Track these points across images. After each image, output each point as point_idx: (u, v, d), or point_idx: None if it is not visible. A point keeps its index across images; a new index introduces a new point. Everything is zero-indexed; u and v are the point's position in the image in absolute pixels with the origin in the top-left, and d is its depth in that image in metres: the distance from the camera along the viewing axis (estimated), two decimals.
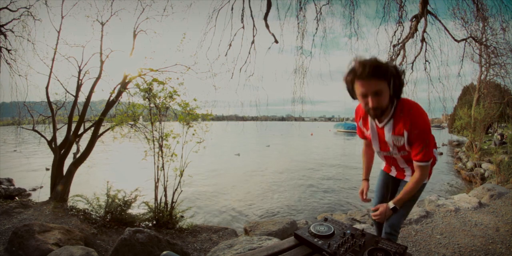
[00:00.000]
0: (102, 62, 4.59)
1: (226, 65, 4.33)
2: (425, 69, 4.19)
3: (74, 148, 4.73)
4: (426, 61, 4.18)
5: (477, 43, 4.69)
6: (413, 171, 1.49)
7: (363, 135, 1.59)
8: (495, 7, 3.99)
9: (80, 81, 4.64)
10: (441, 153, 14.11)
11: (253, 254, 1.12)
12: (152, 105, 3.66)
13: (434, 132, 1.53)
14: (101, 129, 4.44)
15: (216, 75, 4.34)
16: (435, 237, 2.78)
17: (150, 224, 3.55)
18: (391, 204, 1.42)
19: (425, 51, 4.15)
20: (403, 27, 4.05)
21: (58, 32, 4.58)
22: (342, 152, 17.87)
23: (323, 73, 4.69)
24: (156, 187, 3.64)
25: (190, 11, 4.67)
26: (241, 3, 4.08)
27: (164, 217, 3.53)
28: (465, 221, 3.12)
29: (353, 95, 1.28)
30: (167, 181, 3.64)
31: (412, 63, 4.17)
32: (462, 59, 4.78)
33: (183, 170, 3.69)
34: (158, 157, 3.60)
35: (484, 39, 4.61)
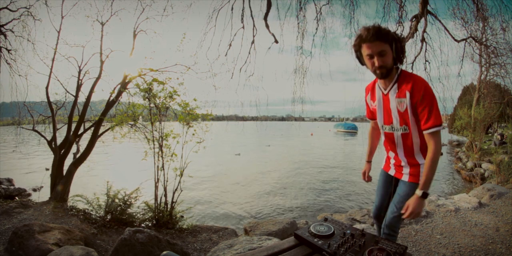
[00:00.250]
0: (102, 62, 4.59)
1: (226, 65, 4.34)
2: (425, 69, 4.20)
3: (74, 148, 4.72)
4: (426, 61, 4.18)
5: (477, 43, 4.69)
6: (410, 167, 1.51)
7: (371, 114, 1.68)
8: (495, 7, 3.99)
9: (80, 81, 4.64)
10: (441, 153, 14.08)
11: (253, 254, 1.12)
12: (152, 105, 3.65)
13: None
14: (101, 129, 4.43)
15: (216, 75, 4.35)
16: (435, 237, 2.78)
17: (150, 224, 3.55)
18: (419, 192, 1.33)
19: (425, 51, 4.15)
20: (403, 27, 4.04)
21: (58, 32, 4.58)
22: (342, 152, 17.86)
23: (323, 73, 4.70)
24: (156, 187, 3.64)
25: (190, 11, 4.68)
26: (241, 3, 4.09)
27: (164, 217, 3.53)
28: (465, 221, 3.12)
29: (361, 60, 1.42)
30: (167, 181, 3.64)
31: (412, 63, 4.17)
32: (462, 59, 4.78)
33: (183, 170, 3.69)
34: (158, 157, 3.60)
35: (484, 39, 4.61)
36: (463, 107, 11.70)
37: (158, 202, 3.61)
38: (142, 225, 3.53)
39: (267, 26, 4.18)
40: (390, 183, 1.70)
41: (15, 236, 2.47)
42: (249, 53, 4.26)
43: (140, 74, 4.20)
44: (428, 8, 3.92)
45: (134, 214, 3.53)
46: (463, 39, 4.58)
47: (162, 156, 3.60)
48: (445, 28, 4.09)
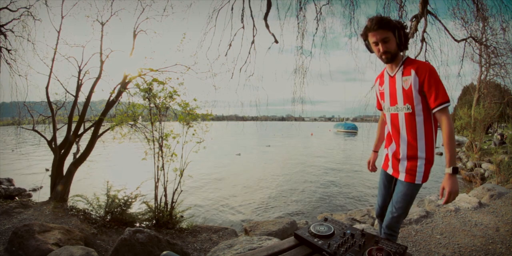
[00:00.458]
0: (102, 62, 4.59)
1: (226, 65, 4.34)
2: None
3: (74, 148, 4.72)
4: (426, 61, 4.18)
5: (477, 43, 4.70)
6: (408, 161, 1.52)
7: (380, 104, 1.75)
8: (495, 7, 4.00)
9: (80, 81, 4.64)
10: (441, 153, 14.10)
11: (253, 254, 1.12)
12: (152, 105, 3.65)
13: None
14: (101, 129, 4.43)
15: (216, 75, 4.35)
16: (435, 237, 2.78)
17: (150, 224, 3.55)
18: (448, 170, 1.34)
19: (425, 51, 4.15)
20: None
21: (58, 32, 4.58)
22: (342, 152, 17.86)
23: (323, 73, 4.70)
24: (156, 187, 3.64)
25: (190, 11, 4.67)
26: (241, 3, 4.09)
27: (164, 217, 3.53)
28: (465, 221, 3.12)
29: (370, 48, 1.57)
30: (167, 181, 3.64)
31: None
32: (462, 59, 4.79)
33: (183, 170, 3.69)
34: (158, 157, 3.60)
35: (484, 39, 4.62)
36: (463, 107, 11.69)
37: (158, 202, 3.62)
38: (142, 225, 3.53)
39: (267, 26, 4.19)
40: (390, 182, 1.71)
41: (15, 236, 2.47)
42: (249, 53, 4.27)
43: (140, 74, 4.20)
44: (428, 8, 3.92)
45: (134, 214, 3.53)
46: (463, 39, 4.59)
47: (162, 156, 3.60)
48: (445, 28, 4.09)
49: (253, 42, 4.22)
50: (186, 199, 4.78)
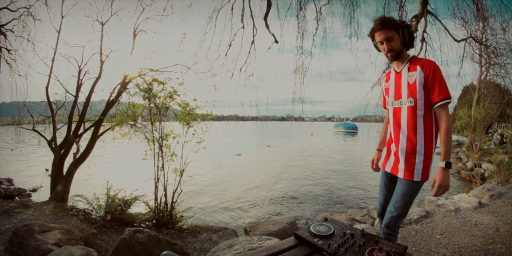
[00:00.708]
0: (102, 62, 4.59)
1: (226, 65, 4.34)
2: None
3: (74, 148, 4.73)
4: None
5: (477, 43, 4.70)
6: (406, 158, 1.54)
7: (385, 102, 1.79)
8: (495, 7, 4.00)
9: (80, 81, 4.64)
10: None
11: (253, 254, 1.12)
12: (152, 105, 3.65)
13: None
14: (101, 129, 4.43)
15: (216, 75, 4.35)
16: (435, 237, 2.78)
17: (150, 224, 3.55)
18: (441, 164, 1.40)
19: (425, 51, 4.15)
20: None
21: (58, 32, 4.58)
22: (342, 152, 17.86)
23: (323, 73, 4.71)
24: (156, 187, 3.64)
25: (190, 11, 4.67)
26: (241, 3, 4.09)
27: (164, 217, 3.53)
28: (465, 221, 3.12)
29: (377, 48, 1.64)
30: (167, 181, 3.64)
31: None
32: (462, 59, 4.79)
33: (183, 170, 3.69)
34: (158, 157, 3.60)
35: (484, 39, 4.62)
36: (463, 107, 11.69)
37: (158, 202, 3.62)
38: (142, 225, 3.53)
39: (267, 26, 4.19)
40: (391, 181, 1.72)
41: (15, 236, 2.47)
42: (249, 53, 4.27)
43: (140, 74, 4.20)
44: (428, 8, 3.92)
45: (134, 214, 3.53)
46: (463, 39, 4.59)
47: (162, 156, 3.60)
48: (445, 28, 4.09)
49: (253, 42, 4.22)
50: (186, 199, 4.78)
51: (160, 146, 3.59)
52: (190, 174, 4.09)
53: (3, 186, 6.88)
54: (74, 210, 3.60)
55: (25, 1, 9.69)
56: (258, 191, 7.78)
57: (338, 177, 9.69)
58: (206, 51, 4.40)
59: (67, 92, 4.72)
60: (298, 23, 4.11)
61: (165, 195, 3.64)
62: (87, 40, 4.67)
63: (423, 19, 3.96)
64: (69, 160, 4.48)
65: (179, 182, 3.69)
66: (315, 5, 4.14)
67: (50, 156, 4.58)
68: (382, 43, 1.55)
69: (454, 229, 2.93)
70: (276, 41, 4.21)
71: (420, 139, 1.51)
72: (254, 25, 4.20)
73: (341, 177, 9.79)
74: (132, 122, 3.75)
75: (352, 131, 41.51)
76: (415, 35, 1.75)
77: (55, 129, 4.66)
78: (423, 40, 4.10)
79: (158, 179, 3.62)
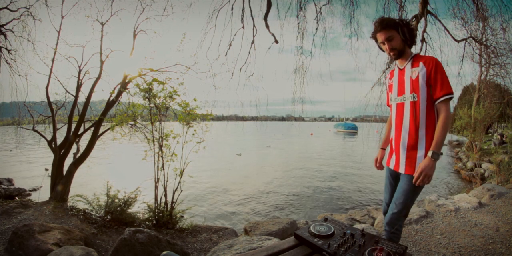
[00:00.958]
0: (102, 62, 4.59)
1: (226, 65, 4.35)
2: None
3: (74, 148, 4.73)
4: None
5: (477, 43, 4.70)
6: (408, 152, 1.55)
7: (389, 100, 1.81)
8: (495, 7, 4.00)
9: (80, 81, 4.64)
10: (441, 153, 14.09)
11: (253, 254, 1.12)
12: (152, 105, 3.65)
13: None
14: (101, 129, 4.43)
15: (216, 75, 4.35)
16: (435, 237, 2.78)
17: (150, 224, 3.55)
18: (429, 153, 1.41)
19: (425, 51, 4.15)
20: None
21: (58, 32, 4.58)
22: (342, 152, 17.86)
23: (323, 73, 4.70)
24: (156, 187, 3.64)
25: (190, 11, 4.68)
26: (241, 3, 4.10)
27: (164, 217, 3.53)
28: (465, 221, 3.12)
29: (381, 48, 1.67)
30: (167, 181, 3.64)
31: None
32: (462, 59, 4.79)
33: (183, 170, 3.69)
34: (158, 157, 3.60)
35: (484, 39, 4.61)
36: (463, 107, 11.69)
37: (158, 202, 3.61)
38: (142, 225, 3.53)
39: (267, 26, 4.19)
40: (395, 179, 1.72)
41: (15, 236, 2.47)
42: (249, 53, 4.27)
43: (140, 74, 4.20)
44: (428, 8, 3.93)
45: (134, 214, 3.53)
46: (463, 39, 4.59)
47: (162, 156, 3.60)
48: (445, 28, 4.09)
49: (253, 42, 4.22)
50: (186, 199, 4.79)
51: (160, 146, 3.59)
52: (190, 174, 4.09)
53: (3, 186, 6.88)
54: (74, 210, 3.60)
55: (25, 1, 9.70)
56: (258, 191, 7.78)
57: (338, 177, 9.68)
58: (206, 51, 4.41)
59: (67, 92, 4.73)
60: (298, 23, 4.11)
61: (165, 195, 3.64)
62: (87, 40, 4.68)
63: (423, 19, 3.97)
64: (69, 160, 4.48)
65: (179, 182, 3.69)
66: (315, 5, 4.15)
67: (50, 156, 4.58)
68: (383, 43, 1.59)
69: (454, 229, 2.93)
70: (276, 41, 4.21)
71: (422, 134, 1.52)
72: (254, 25, 4.20)
73: (341, 177, 9.78)
74: (132, 122, 3.75)
75: (352, 131, 41.50)
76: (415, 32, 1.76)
77: (55, 129, 4.66)
78: (423, 40, 4.10)
79: (158, 179, 3.62)
